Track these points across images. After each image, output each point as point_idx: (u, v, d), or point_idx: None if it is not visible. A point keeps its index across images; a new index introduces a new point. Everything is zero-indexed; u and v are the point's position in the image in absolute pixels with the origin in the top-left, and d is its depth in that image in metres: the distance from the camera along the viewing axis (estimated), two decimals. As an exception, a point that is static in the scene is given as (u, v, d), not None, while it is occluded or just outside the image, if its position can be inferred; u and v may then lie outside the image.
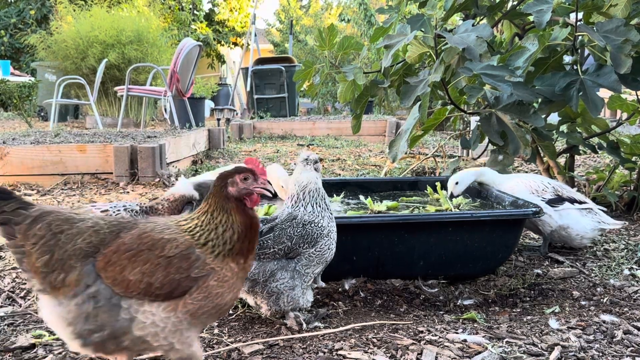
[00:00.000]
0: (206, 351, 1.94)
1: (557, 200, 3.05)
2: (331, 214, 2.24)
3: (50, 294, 1.51)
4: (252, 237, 1.61)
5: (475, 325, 2.18)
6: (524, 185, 3.10)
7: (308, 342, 2.00)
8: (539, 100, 3.13)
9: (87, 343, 1.50)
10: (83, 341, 1.50)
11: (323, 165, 5.79)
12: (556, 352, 1.90)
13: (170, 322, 1.51)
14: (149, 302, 1.49)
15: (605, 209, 3.17)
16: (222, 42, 23.73)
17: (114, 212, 2.47)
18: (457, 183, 3.13)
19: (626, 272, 2.81)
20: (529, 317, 2.29)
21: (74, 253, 1.51)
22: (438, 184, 3.16)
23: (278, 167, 3.11)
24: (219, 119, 12.13)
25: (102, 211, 2.46)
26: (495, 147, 3.48)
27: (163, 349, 1.54)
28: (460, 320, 2.25)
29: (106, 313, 1.48)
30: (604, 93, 3.51)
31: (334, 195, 3.25)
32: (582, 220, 3.04)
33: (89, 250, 1.52)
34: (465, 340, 2.01)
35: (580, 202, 3.09)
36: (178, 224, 1.61)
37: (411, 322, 2.21)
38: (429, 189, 3.28)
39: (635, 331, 2.11)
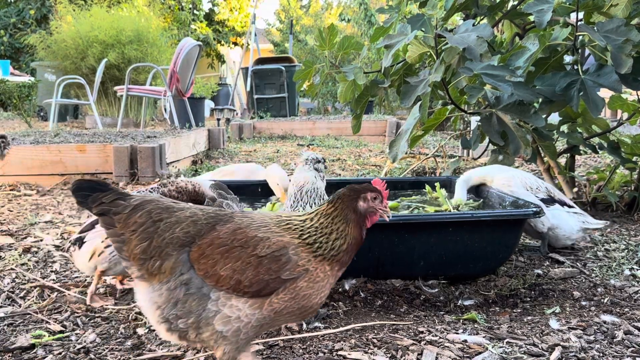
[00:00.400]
0: (206, 351, 1.93)
1: (549, 201, 3.07)
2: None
3: (147, 280, 1.55)
4: (354, 252, 1.65)
5: (475, 325, 2.18)
6: (519, 180, 3.10)
7: (308, 343, 2.00)
8: (540, 100, 3.13)
9: (173, 328, 1.54)
10: (169, 326, 1.54)
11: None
12: (557, 353, 1.89)
13: (254, 318, 1.53)
14: (237, 297, 1.52)
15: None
16: (222, 42, 23.74)
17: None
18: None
19: (627, 272, 2.80)
20: (529, 318, 2.29)
21: (171, 241, 1.54)
22: (437, 184, 3.15)
23: (277, 167, 3.12)
24: (219, 119, 12.12)
25: None
26: (495, 147, 3.49)
27: (243, 341, 1.55)
28: (461, 320, 2.24)
29: (195, 301, 1.51)
30: (605, 93, 3.51)
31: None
32: (570, 221, 3.09)
33: (185, 239, 1.54)
34: (465, 341, 2.00)
35: (570, 207, 3.12)
36: (278, 221, 1.61)
37: (411, 322, 2.21)
38: (428, 189, 3.28)
39: (636, 331, 2.11)
